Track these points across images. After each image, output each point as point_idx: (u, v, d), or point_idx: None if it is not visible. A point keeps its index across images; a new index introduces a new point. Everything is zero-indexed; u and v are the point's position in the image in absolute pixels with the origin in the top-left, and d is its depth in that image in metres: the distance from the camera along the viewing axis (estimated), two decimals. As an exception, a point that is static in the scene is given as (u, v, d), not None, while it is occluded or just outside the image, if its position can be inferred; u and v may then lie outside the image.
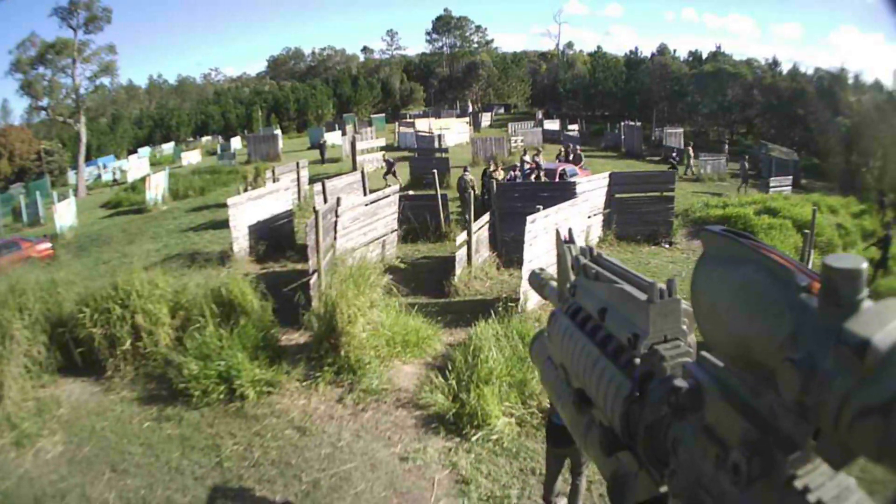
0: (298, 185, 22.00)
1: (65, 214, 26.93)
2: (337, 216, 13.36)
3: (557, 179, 20.46)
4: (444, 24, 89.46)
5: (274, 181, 21.66)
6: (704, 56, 69.57)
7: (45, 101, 52.94)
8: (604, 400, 0.73)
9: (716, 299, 0.53)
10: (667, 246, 16.92)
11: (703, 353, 0.61)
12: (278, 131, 55.82)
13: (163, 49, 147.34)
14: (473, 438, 7.77)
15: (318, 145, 41.53)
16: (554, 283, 1.10)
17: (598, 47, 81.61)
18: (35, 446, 8.76)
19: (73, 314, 10.63)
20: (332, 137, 47.70)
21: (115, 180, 48.31)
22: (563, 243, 0.99)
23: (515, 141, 38.85)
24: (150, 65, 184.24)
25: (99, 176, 53.93)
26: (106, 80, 56.30)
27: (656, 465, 0.66)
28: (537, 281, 1.16)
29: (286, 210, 17.92)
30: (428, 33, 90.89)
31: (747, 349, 0.49)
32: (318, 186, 18.32)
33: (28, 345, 10.08)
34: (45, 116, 56.04)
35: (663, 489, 0.67)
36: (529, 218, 11.78)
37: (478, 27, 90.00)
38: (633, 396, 0.67)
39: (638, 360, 0.71)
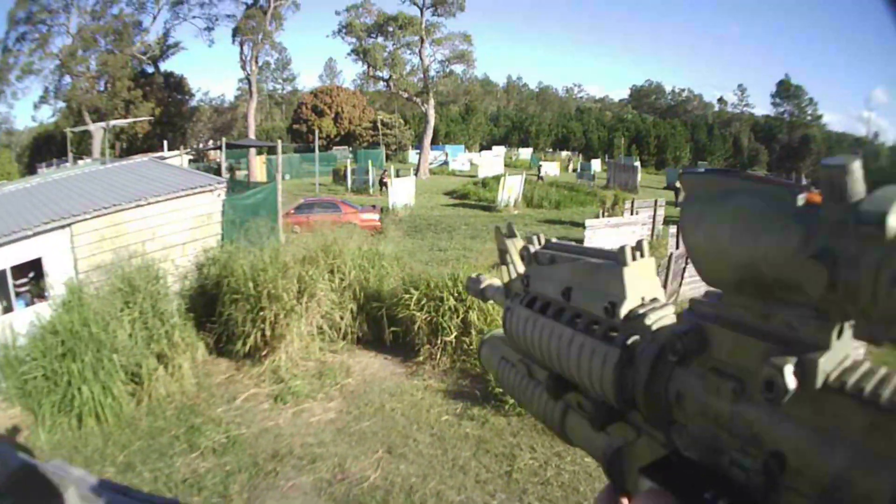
0: (654, 222, 21.97)
1: (401, 191, 28.43)
2: (686, 263, 13.41)
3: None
4: (784, 90, 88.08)
5: (632, 213, 22.02)
6: None
7: (384, 73, 54.86)
8: (588, 375, 0.70)
9: (713, 234, 0.53)
10: None
11: (693, 298, 0.61)
12: (638, 163, 55.61)
13: (521, 51, 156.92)
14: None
15: (674, 187, 41.60)
16: (495, 282, 1.09)
17: None
18: (299, 406, 9.34)
19: (395, 292, 11.10)
20: None
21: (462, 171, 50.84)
22: (504, 237, 0.99)
23: None
24: (504, 64, 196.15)
25: (445, 162, 57.11)
26: (458, 69, 57.68)
27: (659, 424, 0.65)
28: (474, 285, 1.14)
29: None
30: (772, 96, 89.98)
31: (757, 271, 0.49)
32: (672, 229, 18.45)
33: (330, 307, 10.69)
34: (384, 88, 58.20)
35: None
36: None
37: (810, 99, 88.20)
38: (623, 361, 0.66)
39: (618, 329, 0.69)
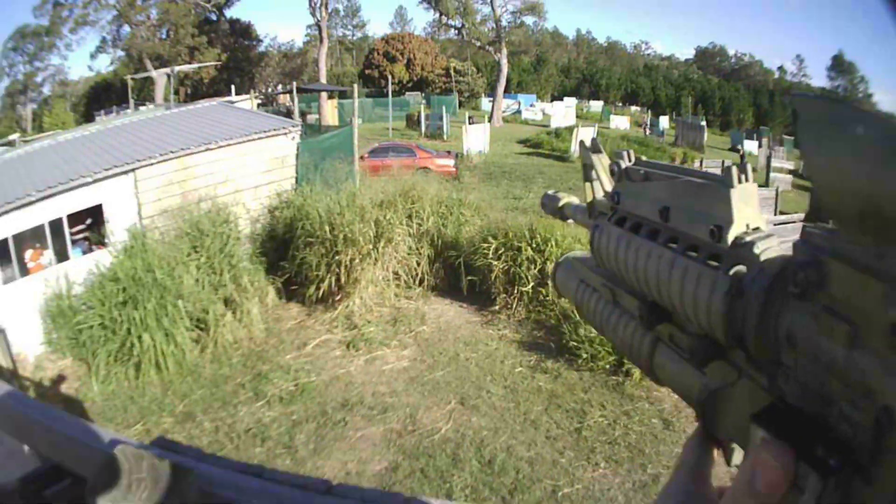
0: None
1: (476, 138, 28.57)
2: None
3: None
4: (839, 65, 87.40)
5: None
6: None
7: (456, 22, 54.93)
8: (693, 304, 0.66)
9: (832, 162, 0.47)
10: None
11: (806, 226, 0.55)
12: (704, 123, 55.48)
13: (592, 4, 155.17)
14: None
15: (738, 149, 42.33)
16: (575, 200, 1.08)
17: None
18: (372, 353, 9.30)
19: (473, 240, 11.07)
20: (750, 145, 47.67)
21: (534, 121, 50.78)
22: (590, 151, 0.96)
23: None
24: (576, 17, 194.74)
25: (518, 111, 56.75)
26: (529, 20, 58.39)
27: (765, 366, 0.60)
28: (552, 203, 1.12)
29: None
30: (827, 69, 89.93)
31: (878, 204, 0.43)
32: None
33: (407, 253, 10.68)
34: (455, 36, 58.61)
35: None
36: None
37: (862, 77, 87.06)
38: (733, 291, 0.61)
39: (723, 255, 0.65)
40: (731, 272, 0.63)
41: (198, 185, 11.58)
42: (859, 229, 0.48)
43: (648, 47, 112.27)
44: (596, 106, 70.09)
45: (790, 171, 37.85)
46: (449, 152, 24.00)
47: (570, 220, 1.08)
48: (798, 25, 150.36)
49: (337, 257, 10.17)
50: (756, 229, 0.66)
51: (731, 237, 0.64)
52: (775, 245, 0.64)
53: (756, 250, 0.62)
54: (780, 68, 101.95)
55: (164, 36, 49.36)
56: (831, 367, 0.50)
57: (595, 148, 0.96)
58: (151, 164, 11.12)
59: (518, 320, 10.21)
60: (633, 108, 79.05)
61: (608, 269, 0.86)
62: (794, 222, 15.75)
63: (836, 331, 0.49)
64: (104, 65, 56.89)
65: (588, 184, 0.96)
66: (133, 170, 10.92)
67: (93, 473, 1.75)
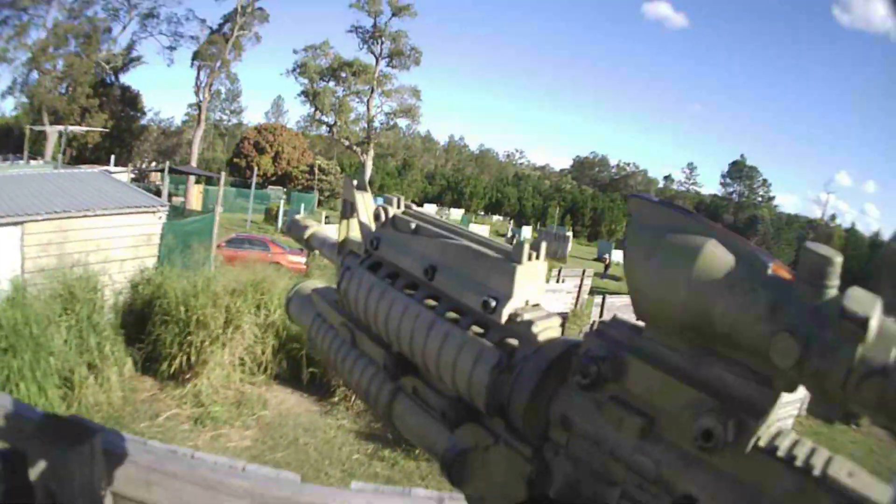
0: (579, 291, 22.77)
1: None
2: None
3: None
4: (737, 170, 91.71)
5: (558, 281, 22.63)
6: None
7: (330, 118, 55.16)
8: (451, 369, 0.68)
9: (664, 272, 0.52)
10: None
11: (603, 320, 0.60)
12: (570, 233, 56.68)
13: (465, 113, 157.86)
14: None
15: (603, 259, 44.02)
16: (324, 231, 1.09)
17: (853, 224, 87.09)
18: (218, 430, 9.48)
19: None
20: (618, 255, 48.94)
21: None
22: (355, 189, 0.94)
23: None
24: (453, 125, 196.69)
25: (377, 215, 57.35)
26: (403, 123, 58.78)
27: (529, 439, 0.64)
28: (297, 229, 1.11)
29: (563, 311, 18.64)
30: (723, 176, 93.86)
31: (707, 322, 0.49)
32: (598, 299, 19.22)
33: (253, 341, 10.90)
34: (326, 132, 58.61)
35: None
36: None
37: (764, 181, 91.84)
38: (501, 366, 0.64)
39: (492, 327, 0.68)
40: (503, 345, 0.66)
41: (73, 248, 11.60)
42: (677, 336, 0.53)
43: (523, 156, 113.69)
44: (456, 214, 70.41)
45: None
46: (301, 250, 23.79)
47: (316, 251, 1.08)
48: (698, 132, 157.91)
49: (189, 337, 10.32)
50: (535, 306, 0.69)
51: (506, 312, 0.66)
52: (555, 326, 0.67)
53: (534, 329, 0.65)
54: (667, 177, 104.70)
55: (63, 91, 48.64)
56: (615, 453, 0.55)
57: (360, 186, 0.94)
58: (37, 220, 11.23)
59: (356, 412, 10.40)
60: (496, 217, 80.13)
61: (354, 313, 0.87)
62: None
63: (627, 422, 0.54)
64: (9, 108, 54.72)
65: (345, 221, 0.95)
66: (22, 223, 11.02)
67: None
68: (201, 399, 10.13)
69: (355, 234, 0.94)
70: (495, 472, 0.67)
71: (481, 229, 53.20)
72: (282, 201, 41.27)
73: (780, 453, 0.47)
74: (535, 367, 0.62)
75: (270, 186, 58.15)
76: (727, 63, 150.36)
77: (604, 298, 19.18)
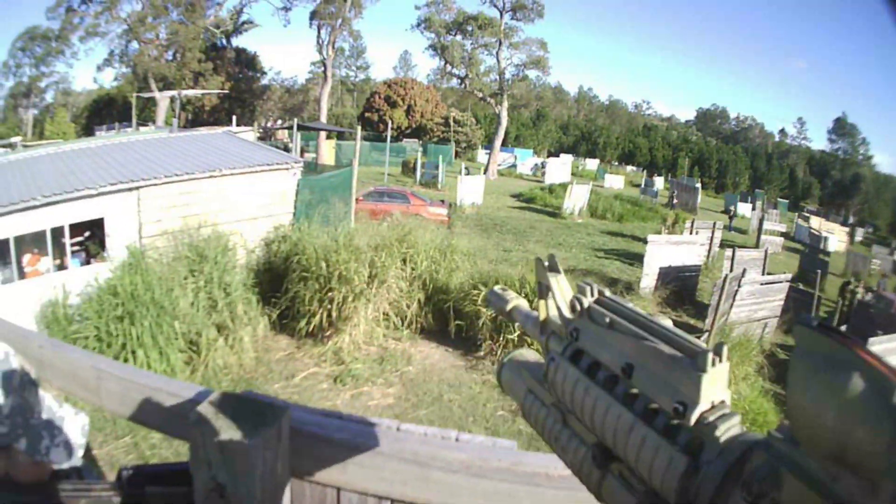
0: (711, 243, 22.67)
1: (470, 189, 28.95)
2: (739, 286, 13.96)
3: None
4: (840, 127, 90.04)
5: (692, 232, 22.72)
6: None
7: (460, 71, 54.92)
8: (647, 470, 0.69)
9: (818, 405, 0.51)
10: None
11: (772, 432, 0.60)
12: (699, 184, 56.29)
13: (593, 63, 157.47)
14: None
15: (729, 212, 43.20)
16: (525, 305, 1.07)
17: None
18: (359, 389, 9.40)
19: (463, 287, 11.24)
20: (743, 208, 49.23)
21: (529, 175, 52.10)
22: (547, 270, 0.91)
23: (875, 263, 37.54)
24: (580, 74, 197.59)
25: (514, 165, 57.68)
26: (533, 74, 57.97)
27: None
28: (498, 301, 1.09)
29: (696, 264, 18.87)
30: (828, 132, 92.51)
31: (844, 447, 0.49)
32: (728, 252, 18.97)
33: (398, 295, 10.85)
34: (457, 85, 58.13)
35: None
36: (870, 340, 11.75)
37: (863, 139, 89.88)
38: (689, 472, 0.65)
39: (681, 428, 0.68)
40: (695, 448, 0.66)
41: (199, 210, 11.71)
42: (823, 457, 0.53)
43: (650, 107, 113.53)
44: (592, 164, 71.42)
45: (781, 234, 38.77)
46: (443, 201, 24.06)
47: (517, 323, 1.06)
48: (802, 89, 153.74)
49: (330, 294, 10.28)
50: (722, 402, 0.68)
51: (694, 416, 0.66)
52: (736, 424, 0.67)
53: (717, 432, 0.65)
54: (782, 131, 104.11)
55: (170, 58, 49.33)
56: None
57: (552, 267, 0.92)
58: (156, 185, 11.27)
59: None
60: (630, 167, 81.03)
61: (561, 401, 0.87)
62: (780, 282, 16.26)
63: None
64: (109, 79, 56.64)
65: (543, 301, 0.94)
66: (138, 188, 11.06)
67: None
68: (342, 356, 10.12)
69: (554, 313, 0.92)
70: None
71: (616, 179, 54.46)
72: (419, 153, 41.41)
73: None
74: (715, 470, 0.63)
75: (405, 139, 58.80)
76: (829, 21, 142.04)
77: (734, 251, 19.05)
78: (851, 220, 73.45)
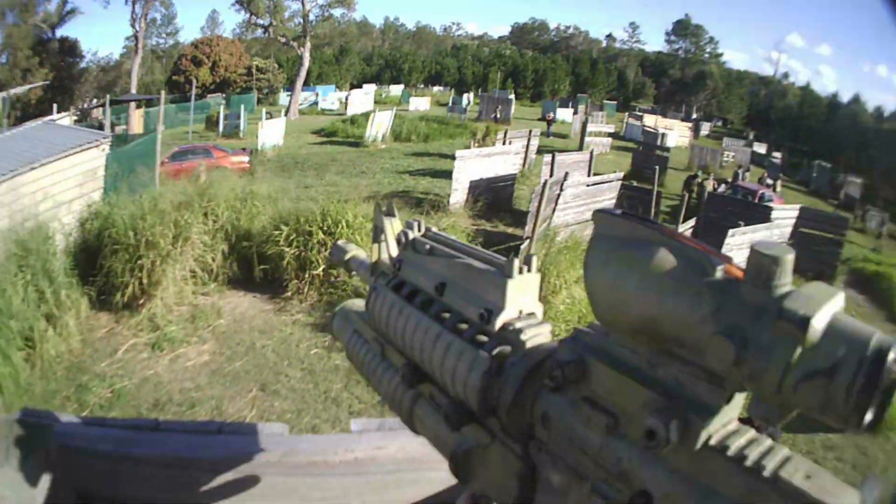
0: (526, 151, 22.78)
1: (271, 133, 28.87)
2: (561, 190, 14.36)
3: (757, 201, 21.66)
4: (682, 28, 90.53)
5: (504, 143, 23.10)
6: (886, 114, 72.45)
7: (265, 20, 55.30)
8: (451, 376, 0.73)
9: (617, 280, 0.54)
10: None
11: (579, 327, 0.63)
12: (512, 96, 56.81)
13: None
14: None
15: (546, 117, 43.59)
16: (361, 254, 1.13)
17: (808, 83, 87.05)
18: (175, 352, 9.39)
19: (265, 230, 11.28)
20: (564, 114, 49.82)
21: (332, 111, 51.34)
22: (383, 215, 0.98)
23: (727, 156, 39.91)
24: (387, 6, 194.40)
25: (315, 103, 56.46)
26: (338, 12, 58.22)
27: (518, 438, 0.68)
28: (339, 254, 1.16)
29: (511, 174, 19.28)
30: (667, 34, 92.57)
31: (657, 325, 0.51)
32: (547, 157, 19.27)
33: (202, 250, 10.78)
34: (262, 34, 58.77)
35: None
36: (730, 231, 12.91)
37: (710, 38, 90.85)
38: (491, 371, 0.68)
39: (489, 336, 0.72)
40: (495, 352, 0.69)
41: (24, 204, 11.36)
42: (635, 339, 0.56)
43: (459, 28, 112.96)
44: (396, 90, 70.79)
45: (609, 135, 39.48)
46: (244, 149, 24.14)
47: (353, 273, 1.13)
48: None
49: (140, 261, 10.17)
50: (530, 314, 0.73)
51: (499, 322, 0.71)
52: (545, 332, 0.71)
53: (523, 336, 0.69)
54: (609, 36, 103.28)
55: (3, 61, 48.40)
56: (585, 448, 0.58)
57: (389, 212, 0.98)
58: None
59: (311, 304, 10.62)
60: (436, 88, 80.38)
61: (379, 328, 0.92)
62: (609, 181, 16.92)
63: (594, 420, 0.57)
64: None
65: (376, 245, 0.99)
66: None
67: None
68: (156, 322, 10.00)
69: (386, 256, 0.98)
70: (493, 468, 0.72)
71: (421, 101, 53.97)
72: (221, 107, 40.59)
73: (731, 452, 0.49)
74: (518, 370, 0.66)
75: (210, 95, 57.42)
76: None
77: (553, 156, 19.31)
78: (695, 115, 74.37)
